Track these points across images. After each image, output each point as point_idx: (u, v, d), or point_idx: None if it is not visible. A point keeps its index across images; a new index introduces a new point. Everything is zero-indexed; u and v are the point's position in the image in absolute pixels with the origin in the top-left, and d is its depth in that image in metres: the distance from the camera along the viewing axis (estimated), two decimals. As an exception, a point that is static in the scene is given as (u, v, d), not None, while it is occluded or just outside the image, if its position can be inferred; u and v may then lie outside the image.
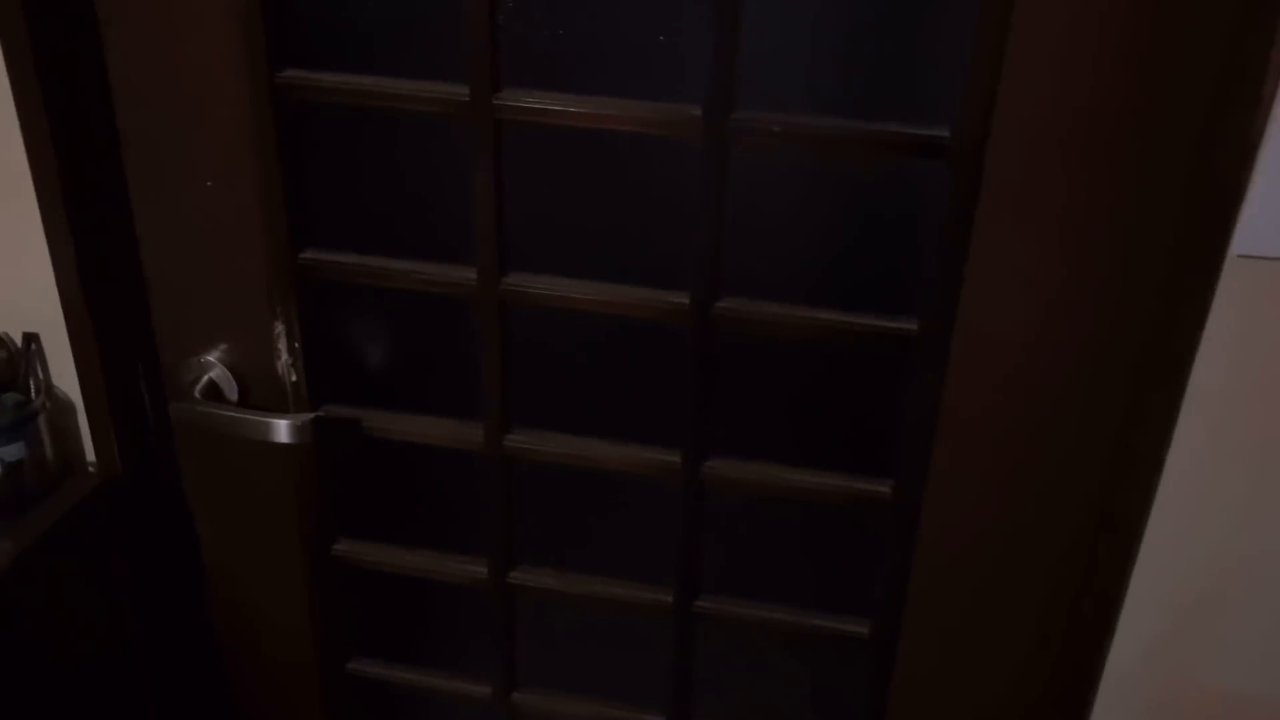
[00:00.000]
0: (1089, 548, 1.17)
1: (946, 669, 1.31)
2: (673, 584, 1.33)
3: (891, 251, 1.12)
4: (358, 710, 1.53)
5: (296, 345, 1.26)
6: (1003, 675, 1.30)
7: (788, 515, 1.29)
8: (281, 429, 1.25)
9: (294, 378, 1.28)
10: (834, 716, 1.40)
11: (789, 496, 1.25)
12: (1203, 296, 0.99)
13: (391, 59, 1.11)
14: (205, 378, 1.29)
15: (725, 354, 1.19)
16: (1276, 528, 1.09)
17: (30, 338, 1.26)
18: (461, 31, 1.06)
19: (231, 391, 1.31)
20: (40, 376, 1.28)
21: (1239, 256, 0.98)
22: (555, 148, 1.12)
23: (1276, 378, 1.03)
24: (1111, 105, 0.98)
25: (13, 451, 1.24)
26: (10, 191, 1.18)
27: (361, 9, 1.09)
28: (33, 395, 1.26)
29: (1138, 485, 1.10)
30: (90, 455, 1.33)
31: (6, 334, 1.27)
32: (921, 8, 1.00)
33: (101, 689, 1.40)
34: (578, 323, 1.21)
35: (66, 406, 1.31)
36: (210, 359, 1.30)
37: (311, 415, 1.27)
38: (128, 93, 1.17)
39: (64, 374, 1.28)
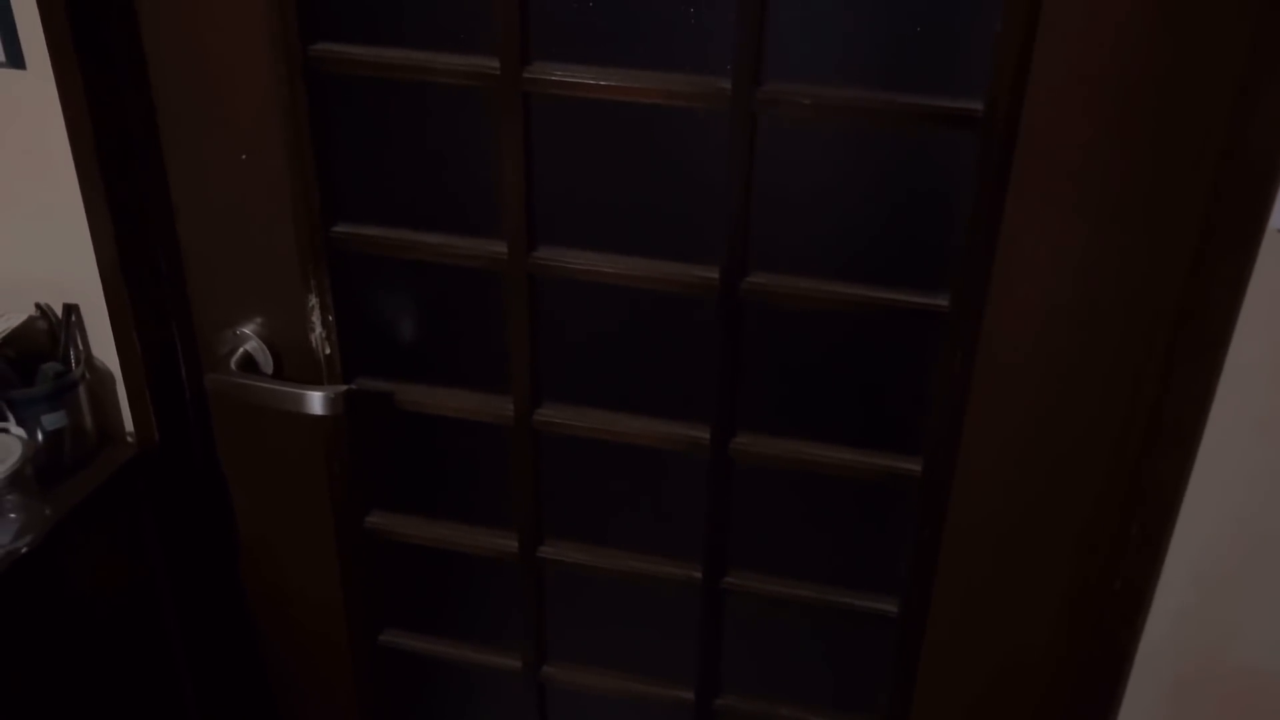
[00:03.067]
0: (1121, 523, 1.15)
1: (975, 647, 1.30)
2: (700, 559, 1.34)
3: (922, 226, 1.11)
4: (389, 681, 1.55)
5: (330, 318, 1.27)
6: (1033, 654, 1.29)
7: (816, 491, 1.28)
8: (315, 400, 1.26)
9: (327, 350, 1.29)
10: (861, 693, 1.40)
11: (817, 472, 1.25)
12: (1238, 269, 0.98)
13: (423, 32, 1.12)
14: (241, 350, 1.31)
15: (754, 329, 1.19)
16: (1313, 506, 1.07)
17: (70, 309, 1.28)
18: (492, 4, 1.07)
19: (266, 364, 1.32)
20: (80, 347, 1.30)
21: (1278, 231, 0.96)
22: (585, 121, 1.12)
23: (1315, 354, 1.01)
24: (1144, 76, 0.97)
25: (53, 420, 1.27)
26: (50, 166, 1.21)
27: (393, -18, 1.10)
28: (73, 365, 1.28)
29: (1173, 461, 1.08)
30: (128, 425, 1.35)
31: (48, 305, 1.29)
32: (953, -23, 0.99)
33: (136, 653, 1.43)
34: (607, 297, 1.21)
35: (106, 377, 1.33)
36: (246, 331, 1.31)
37: (344, 388, 1.28)
38: (162, 67, 1.19)
39: (103, 345, 1.31)
